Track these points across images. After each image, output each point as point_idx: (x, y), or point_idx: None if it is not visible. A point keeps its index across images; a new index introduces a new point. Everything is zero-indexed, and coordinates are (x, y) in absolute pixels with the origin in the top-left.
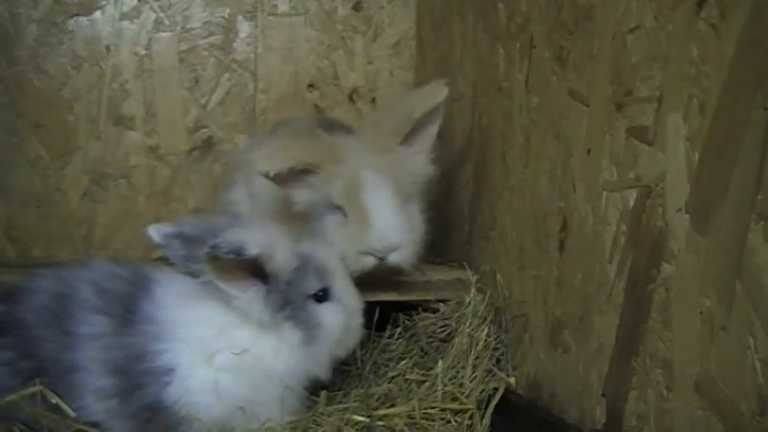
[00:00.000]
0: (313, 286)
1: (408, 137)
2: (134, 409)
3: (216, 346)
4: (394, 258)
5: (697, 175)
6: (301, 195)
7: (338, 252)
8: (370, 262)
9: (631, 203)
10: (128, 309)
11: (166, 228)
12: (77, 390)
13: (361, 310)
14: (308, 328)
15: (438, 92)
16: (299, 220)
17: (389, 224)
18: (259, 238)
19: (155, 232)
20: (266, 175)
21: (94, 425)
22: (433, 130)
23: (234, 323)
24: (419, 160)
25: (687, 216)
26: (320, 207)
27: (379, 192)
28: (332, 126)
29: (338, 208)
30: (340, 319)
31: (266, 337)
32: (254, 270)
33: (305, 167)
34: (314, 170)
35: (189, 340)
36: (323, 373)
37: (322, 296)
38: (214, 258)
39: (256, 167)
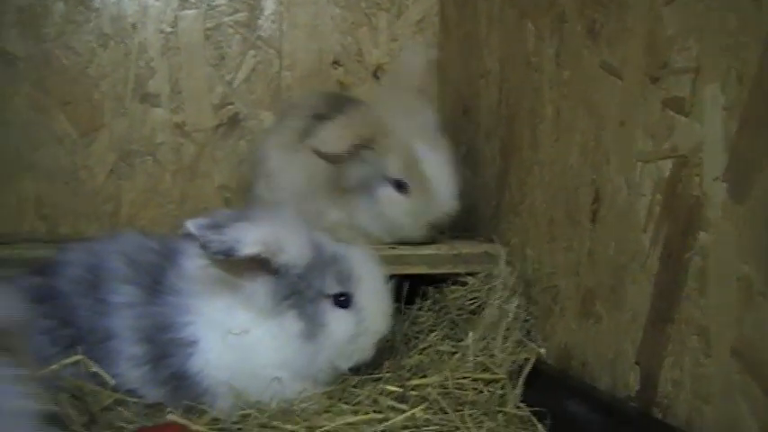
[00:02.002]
0: (331, 287)
1: None
2: (164, 376)
3: (227, 324)
4: (445, 221)
5: (734, 145)
6: (354, 170)
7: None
8: (427, 228)
9: (667, 174)
10: (155, 279)
11: (202, 220)
12: (113, 357)
13: (381, 334)
14: (311, 324)
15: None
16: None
17: (451, 191)
18: (261, 235)
19: (191, 226)
20: (333, 158)
21: (131, 392)
22: None
23: (241, 303)
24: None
25: (724, 185)
26: (372, 180)
27: (437, 161)
28: (341, 100)
29: (390, 180)
30: (348, 329)
31: (268, 323)
32: (261, 263)
33: (364, 143)
34: (370, 145)
35: (209, 315)
36: (321, 377)
37: (343, 301)
38: None
39: (324, 150)
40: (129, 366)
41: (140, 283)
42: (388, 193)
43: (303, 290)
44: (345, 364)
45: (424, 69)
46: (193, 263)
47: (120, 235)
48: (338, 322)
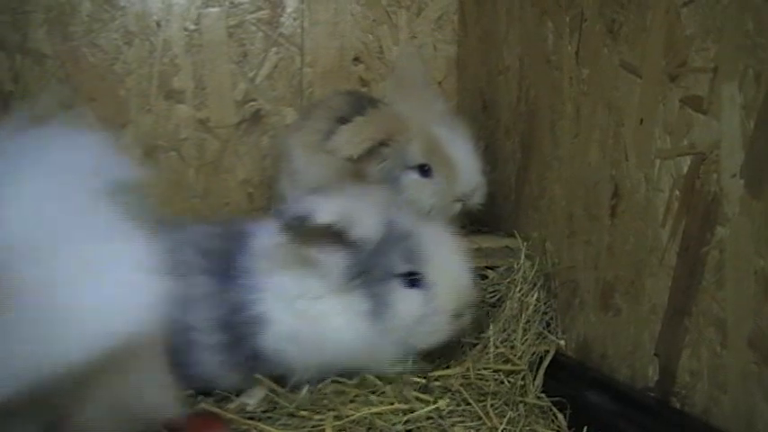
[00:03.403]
0: (398, 266)
1: None
2: (239, 360)
3: (295, 292)
4: (475, 199)
5: (751, 142)
6: (375, 167)
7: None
8: (458, 207)
9: (685, 170)
10: (226, 265)
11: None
12: (195, 346)
13: (453, 312)
14: (378, 304)
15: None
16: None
17: (474, 165)
18: (335, 206)
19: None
20: (351, 159)
21: (212, 379)
22: None
23: (312, 277)
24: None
25: (742, 181)
26: (394, 171)
27: (457, 140)
28: (363, 102)
29: (412, 167)
30: (415, 309)
31: (337, 299)
32: (336, 235)
33: (379, 142)
34: (388, 142)
35: (275, 288)
36: (389, 355)
37: (414, 281)
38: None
39: (341, 155)
40: (210, 354)
41: (213, 272)
42: (412, 178)
43: (372, 268)
44: (421, 344)
45: (422, 66)
46: (260, 242)
47: (187, 224)
48: (405, 302)
